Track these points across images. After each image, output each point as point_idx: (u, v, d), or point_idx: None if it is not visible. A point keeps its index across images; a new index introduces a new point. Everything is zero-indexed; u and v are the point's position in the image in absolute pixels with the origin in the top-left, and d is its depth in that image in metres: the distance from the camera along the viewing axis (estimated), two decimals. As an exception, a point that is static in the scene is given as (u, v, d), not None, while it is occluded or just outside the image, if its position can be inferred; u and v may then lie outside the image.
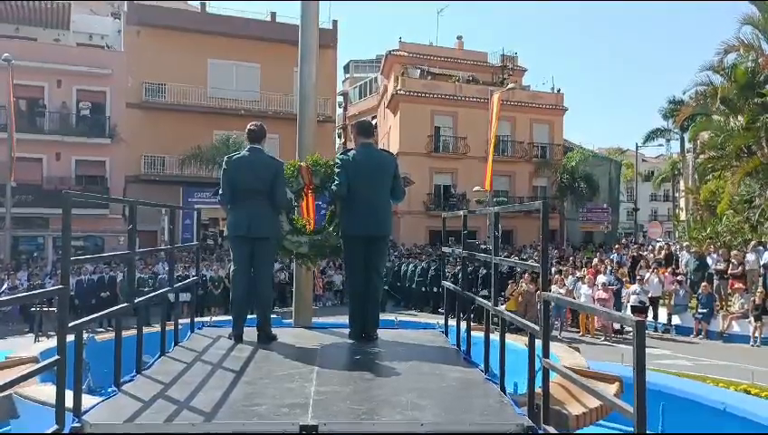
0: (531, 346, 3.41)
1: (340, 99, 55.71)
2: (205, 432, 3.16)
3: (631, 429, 2.21)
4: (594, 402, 4.73)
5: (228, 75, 31.97)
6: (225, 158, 5.51)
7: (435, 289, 20.63)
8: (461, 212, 5.18)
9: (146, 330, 4.71)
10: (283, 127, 25.46)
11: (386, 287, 23.06)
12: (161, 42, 30.14)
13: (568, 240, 36.60)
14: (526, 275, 19.45)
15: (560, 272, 20.64)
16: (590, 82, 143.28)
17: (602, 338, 16.49)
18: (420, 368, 4.58)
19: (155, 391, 3.79)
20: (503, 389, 3.95)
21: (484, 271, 18.62)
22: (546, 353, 3.15)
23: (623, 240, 35.92)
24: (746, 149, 19.40)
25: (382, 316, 6.05)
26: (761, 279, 17.75)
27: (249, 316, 5.57)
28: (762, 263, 17.96)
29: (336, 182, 5.45)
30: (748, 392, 8.58)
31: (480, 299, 4.55)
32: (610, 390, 5.08)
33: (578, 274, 19.52)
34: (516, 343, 6.54)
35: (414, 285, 22.52)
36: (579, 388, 4.86)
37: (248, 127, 5.55)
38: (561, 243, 35.10)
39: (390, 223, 5.68)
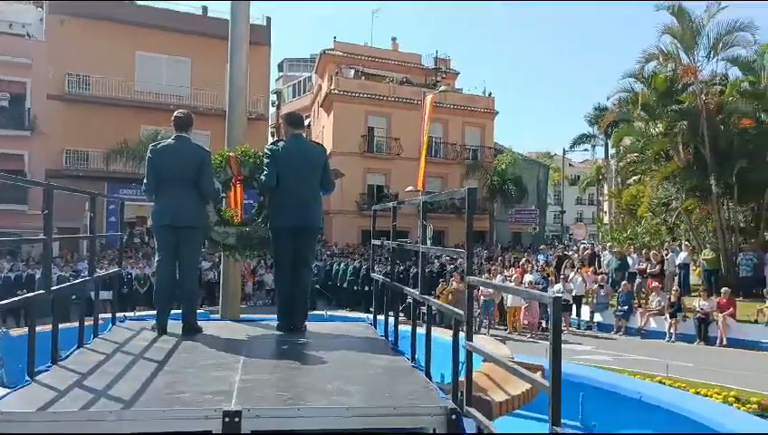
0: (455, 332, 3.47)
1: (273, 97, 55.13)
2: (123, 419, 3.06)
3: (541, 415, 2.29)
4: (517, 390, 4.86)
5: (157, 69, 31.11)
6: (150, 146, 5.36)
7: (366, 288, 20.67)
8: (390, 204, 5.22)
9: (65, 326, 4.53)
10: (213, 124, 24.82)
11: (317, 286, 22.99)
12: (87, 32, 29.05)
13: (497, 241, 37.37)
14: (456, 274, 19.80)
15: (488, 271, 21.10)
16: (520, 87, 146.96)
17: (529, 335, 16.90)
18: (348, 357, 4.59)
19: (71, 381, 3.65)
20: (428, 376, 4.00)
21: (416, 270, 18.79)
22: (469, 337, 3.21)
23: (550, 241, 37.11)
24: (664, 154, 20.29)
25: (314, 312, 6.04)
26: (676, 278, 18.67)
27: (175, 311, 5.43)
28: (677, 263, 18.89)
29: (265, 173, 5.39)
30: (662, 383, 9.00)
31: (407, 289, 4.60)
32: (535, 376, 5.23)
33: (506, 273, 19.98)
34: (445, 336, 6.65)
35: (345, 285, 22.53)
36: (502, 377, 5.02)
37: (175, 114, 5.42)
38: (490, 243, 35.80)
39: (320, 215, 5.66)
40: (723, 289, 16.37)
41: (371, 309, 5.56)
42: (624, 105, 22.13)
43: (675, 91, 20.00)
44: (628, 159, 23.59)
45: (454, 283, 18.04)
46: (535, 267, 20.29)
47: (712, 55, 18.88)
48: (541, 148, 69.25)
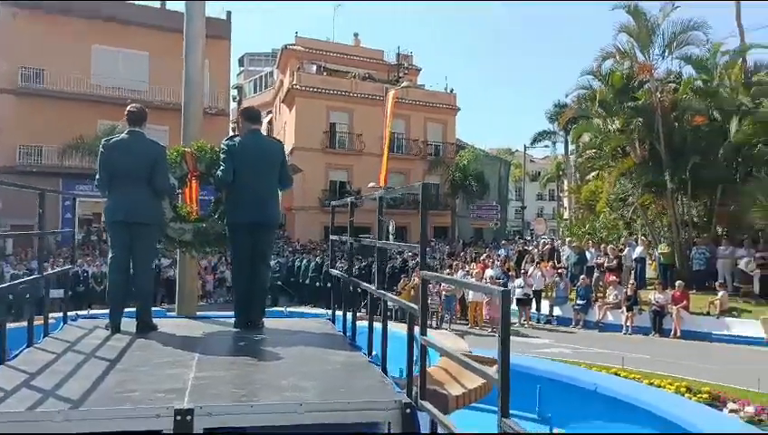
0: (410, 327, 3.48)
1: (234, 92, 54.52)
2: (71, 419, 3.00)
3: (486, 405, 2.31)
4: (473, 383, 4.92)
5: (114, 63, 30.43)
6: (103, 141, 5.26)
7: (328, 284, 20.62)
8: (348, 199, 5.22)
9: (14, 325, 4.42)
10: (172, 119, 24.39)
11: (279, 283, 22.87)
12: (40, 25, 28.28)
13: (459, 236, 37.64)
14: (418, 269, 19.89)
15: (450, 267, 21.27)
16: (483, 84, 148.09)
17: (490, 330, 17.07)
18: (305, 353, 4.58)
19: (19, 381, 3.56)
20: (384, 370, 4.01)
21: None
22: (424, 332, 3.23)
23: (512, 237, 37.51)
24: (621, 151, 20.65)
25: (273, 309, 6.00)
26: (633, 272, 19.07)
27: (130, 309, 5.34)
28: (633, 257, 19.29)
29: (221, 168, 5.34)
30: (618, 375, 9.20)
31: (364, 284, 4.60)
32: (489, 370, 5.30)
33: (468, 268, 20.15)
34: (404, 330, 6.69)
35: (307, 281, 22.46)
36: (459, 371, 5.07)
37: (127, 109, 5.32)
38: (452, 239, 36.04)
39: (278, 211, 5.63)
40: (677, 282, 16.79)
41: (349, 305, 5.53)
42: (583, 102, 22.45)
43: (631, 88, 20.38)
44: (587, 156, 23.97)
45: (416, 278, 18.12)
46: (496, 262, 20.50)
47: (666, 54, 19.28)
48: (503, 144, 69.81)
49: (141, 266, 5.27)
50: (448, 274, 19.62)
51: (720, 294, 16.10)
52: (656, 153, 19.15)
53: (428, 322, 13.34)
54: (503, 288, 2.30)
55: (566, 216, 40.31)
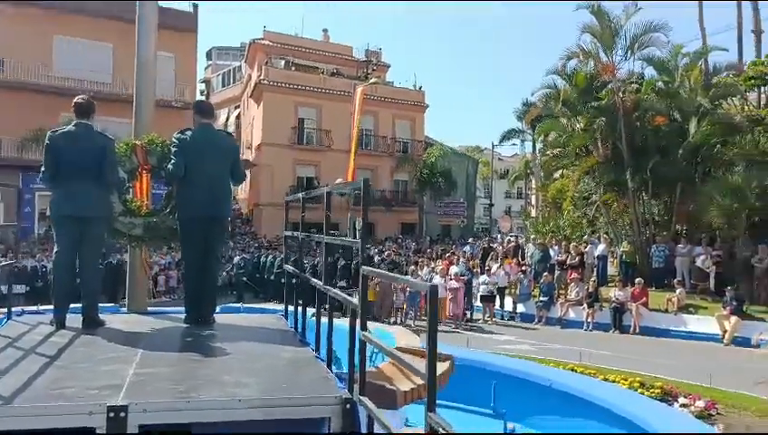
0: (352, 322, 3.47)
1: (202, 86, 53.97)
2: (2, 416, 2.92)
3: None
4: (422, 379, 4.93)
5: (77, 54, 29.76)
6: (49, 132, 5.13)
7: (293, 280, 20.50)
8: (299, 195, 5.20)
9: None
10: (136, 112, 24.20)
11: (244, 279, 22.73)
12: (1, 15, 27.62)
13: (427, 233, 37.80)
14: (383, 265, 19.92)
15: (416, 263, 21.33)
16: (453, 82, 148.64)
17: (453, 326, 17.15)
18: (253, 349, 4.55)
19: None
20: (329, 366, 4.00)
21: (343, 262, 18.79)
22: (364, 327, 3.23)
23: (480, 234, 37.79)
24: (585, 150, 20.92)
25: (230, 304, 5.95)
26: (595, 270, 19.34)
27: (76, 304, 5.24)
28: (596, 255, 19.56)
29: (172, 162, 5.27)
30: (574, 371, 9.32)
31: (314, 280, 4.58)
32: (442, 366, 5.34)
33: (433, 265, 20.22)
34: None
35: (273, 277, 22.29)
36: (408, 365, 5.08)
37: (75, 100, 5.21)
38: (419, 235, 36.18)
39: (229, 204, 5.58)
40: (636, 280, 17.06)
41: (299, 301, 5.48)
42: (548, 101, 22.65)
43: (595, 88, 20.63)
44: (552, 154, 24.23)
45: (380, 275, 18.10)
46: (461, 259, 20.61)
47: (629, 55, 19.54)
48: (472, 142, 70.19)
49: (88, 262, 5.18)
50: (413, 270, 19.69)
51: (678, 291, 16.41)
52: (618, 152, 19.42)
53: (393, 318, 13.41)
54: (430, 283, 2.30)
55: (534, 213, 40.70)
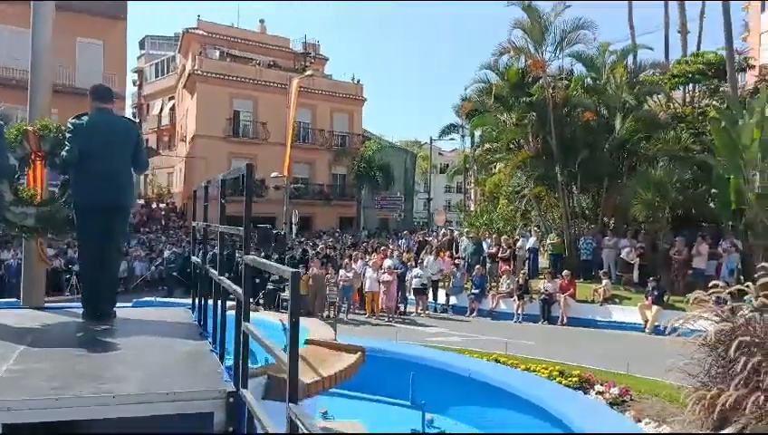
0: (237, 312, 3.33)
1: (134, 76, 52.42)
2: None
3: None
4: (329, 371, 4.84)
5: (-1, 41, 28.47)
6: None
7: (226, 275, 20.10)
8: (202, 184, 5.02)
9: None
10: (62, 101, 23.19)
11: (174, 273, 22.17)
12: None
13: (365, 227, 37.79)
14: (315, 259, 19.76)
15: (350, 257, 21.22)
16: (392, 76, 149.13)
17: (386, 319, 17.14)
18: (150, 343, 4.36)
19: None
20: (222, 358, 3.86)
21: (276, 256, 18.58)
22: (246, 317, 3.10)
23: (419, 227, 38.00)
24: (517, 144, 21.26)
25: (144, 299, 5.71)
26: (527, 262, 19.67)
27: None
28: (527, 247, 19.89)
29: (66, 148, 4.99)
30: (497, 361, 9.39)
31: (212, 271, 4.41)
32: (351, 358, 5.26)
33: (367, 258, 20.16)
34: (273, 319, 6.54)
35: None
36: (317, 359, 4.99)
37: None
38: (357, 229, 36.14)
39: (130, 192, 5.34)
40: (564, 272, 17.42)
41: (230, 296, 5.26)
42: (481, 96, 22.91)
43: (526, 84, 20.99)
44: (486, 148, 24.54)
45: (314, 268, 17.98)
46: (396, 253, 20.62)
47: (558, 51, 19.95)
48: (411, 136, 70.51)
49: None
50: (347, 264, 19.57)
51: (604, 282, 16.85)
52: (548, 147, 19.81)
53: (326, 312, 13.22)
54: (294, 269, 2.20)
55: (473, 207, 41.19)
